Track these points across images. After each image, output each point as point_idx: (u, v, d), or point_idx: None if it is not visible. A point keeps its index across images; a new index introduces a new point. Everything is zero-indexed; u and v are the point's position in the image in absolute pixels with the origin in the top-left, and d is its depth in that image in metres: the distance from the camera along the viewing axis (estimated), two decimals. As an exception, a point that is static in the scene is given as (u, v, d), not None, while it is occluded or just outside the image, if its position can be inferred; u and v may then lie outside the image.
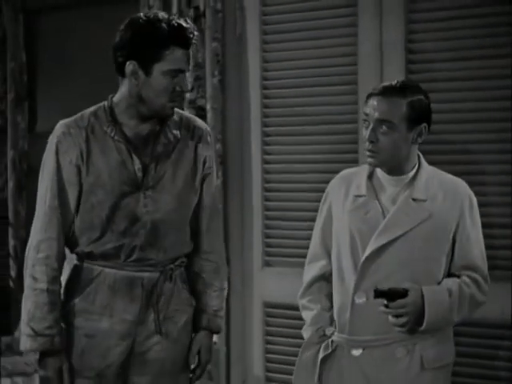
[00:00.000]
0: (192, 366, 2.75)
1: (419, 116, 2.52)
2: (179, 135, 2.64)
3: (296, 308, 3.60)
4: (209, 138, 2.71)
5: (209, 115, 3.84)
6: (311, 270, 2.75)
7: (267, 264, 3.88)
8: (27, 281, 2.56)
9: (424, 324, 2.47)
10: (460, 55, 3.39)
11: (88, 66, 4.24)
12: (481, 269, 2.58)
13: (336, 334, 2.61)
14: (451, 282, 2.53)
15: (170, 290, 2.63)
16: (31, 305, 2.54)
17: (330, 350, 2.61)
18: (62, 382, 2.56)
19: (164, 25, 2.50)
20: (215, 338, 3.74)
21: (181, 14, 3.86)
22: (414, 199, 2.54)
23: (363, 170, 2.66)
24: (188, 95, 3.86)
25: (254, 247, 3.89)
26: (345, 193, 2.64)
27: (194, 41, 2.55)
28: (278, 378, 3.87)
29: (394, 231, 2.52)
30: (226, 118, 3.91)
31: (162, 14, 2.54)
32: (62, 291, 2.62)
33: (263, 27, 3.81)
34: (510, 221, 3.32)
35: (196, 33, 2.57)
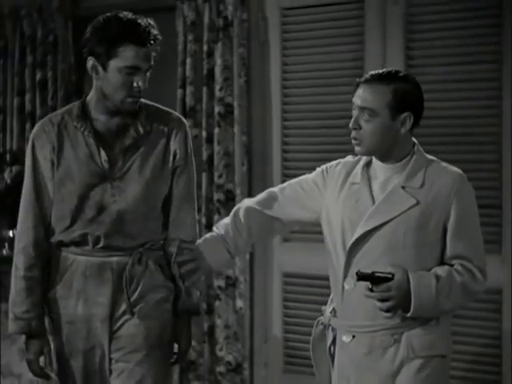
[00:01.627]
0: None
1: (403, 104, 2.37)
2: (151, 128, 2.58)
3: (310, 277, 3.83)
4: (183, 132, 2.62)
5: (236, 111, 4.03)
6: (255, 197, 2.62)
7: (285, 240, 4.05)
8: (12, 269, 2.61)
9: (411, 309, 2.31)
10: (452, 60, 3.65)
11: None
12: (473, 259, 2.38)
13: (332, 319, 2.51)
14: (440, 269, 2.37)
15: (140, 273, 2.58)
16: (13, 290, 2.59)
17: (331, 336, 2.50)
18: (49, 363, 2.58)
19: (119, 22, 2.42)
20: (241, 303, 4.02)
21: (212, 23, 4.07)
22: (403, 187, 2.39)
23: (364, 159, 2.51)
24: (217, 93, 4.03)
25: (274, 225, 4.17)
26: (343, 180, 2.50)
27: (151, 39, 2.44)
28: (295, 338, 4.04)
29: (380, 218, 2.38)
30: (251, 113, 4.08)
31: (123, 13, 2.45)
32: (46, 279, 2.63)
33: (283, 35, 4.01)
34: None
35: (155, 31, 2.46)
